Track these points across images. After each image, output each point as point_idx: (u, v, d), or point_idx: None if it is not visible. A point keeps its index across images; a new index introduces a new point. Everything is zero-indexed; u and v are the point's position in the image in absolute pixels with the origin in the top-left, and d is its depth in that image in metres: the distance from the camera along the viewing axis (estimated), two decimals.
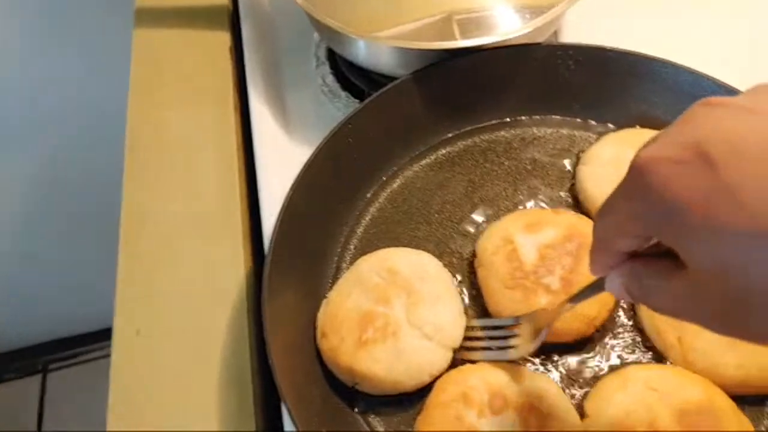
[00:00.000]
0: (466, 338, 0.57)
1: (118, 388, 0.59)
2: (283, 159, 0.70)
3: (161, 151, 0.74)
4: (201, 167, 0.73)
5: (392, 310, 0.57)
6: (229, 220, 0.70)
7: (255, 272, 0.67)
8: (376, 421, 0.57)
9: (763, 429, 0.54)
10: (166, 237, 0.68)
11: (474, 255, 0.63)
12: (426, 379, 0.55)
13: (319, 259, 0.65)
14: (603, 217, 0.38)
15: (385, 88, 0.67)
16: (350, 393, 0.57)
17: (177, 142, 0.75)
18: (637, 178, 0.33)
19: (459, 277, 0.63)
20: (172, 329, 0.62)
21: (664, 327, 0.56)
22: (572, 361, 0.58)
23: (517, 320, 0.56)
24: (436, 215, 0.67)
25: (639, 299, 0.39)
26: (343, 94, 0.78)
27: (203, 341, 0.62)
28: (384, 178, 0.70)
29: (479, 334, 0.58)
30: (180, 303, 0.63)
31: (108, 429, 0.57)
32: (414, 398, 0.57)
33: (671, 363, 0.56)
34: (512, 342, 0.55)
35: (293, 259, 0.60)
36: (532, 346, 0.54)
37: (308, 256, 0.63)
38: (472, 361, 0.56)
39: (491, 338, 0.57)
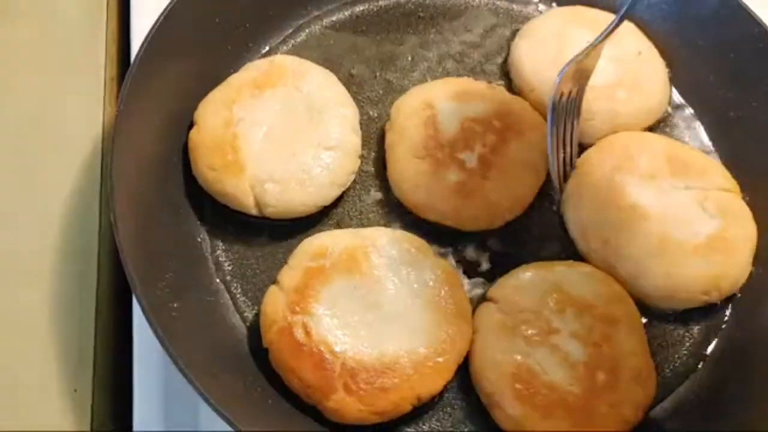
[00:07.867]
0: None
1: None
2: None
3: None
4: None
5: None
6: (92, 50, 0.56)
7: None
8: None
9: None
10: (6, 65, 0.54)
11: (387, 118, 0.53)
12: None
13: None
14: None
15: None
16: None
17: None
18: None
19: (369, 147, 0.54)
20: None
21: (592, 231, 0.49)
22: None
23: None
24: (341, 77, 0.55)
25: None
26: None
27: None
28: (290, 30, 0.59)
29: None
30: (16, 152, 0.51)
31: None
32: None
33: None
34: None
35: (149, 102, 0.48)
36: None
37: (169, 101, 0.51)
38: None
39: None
